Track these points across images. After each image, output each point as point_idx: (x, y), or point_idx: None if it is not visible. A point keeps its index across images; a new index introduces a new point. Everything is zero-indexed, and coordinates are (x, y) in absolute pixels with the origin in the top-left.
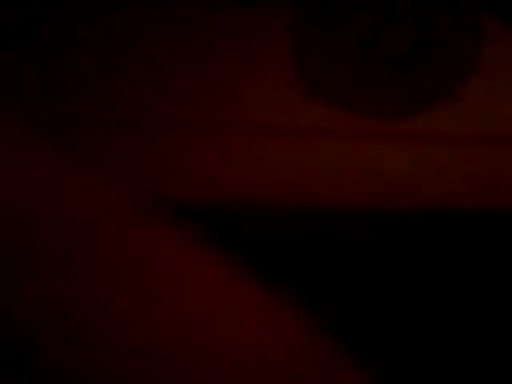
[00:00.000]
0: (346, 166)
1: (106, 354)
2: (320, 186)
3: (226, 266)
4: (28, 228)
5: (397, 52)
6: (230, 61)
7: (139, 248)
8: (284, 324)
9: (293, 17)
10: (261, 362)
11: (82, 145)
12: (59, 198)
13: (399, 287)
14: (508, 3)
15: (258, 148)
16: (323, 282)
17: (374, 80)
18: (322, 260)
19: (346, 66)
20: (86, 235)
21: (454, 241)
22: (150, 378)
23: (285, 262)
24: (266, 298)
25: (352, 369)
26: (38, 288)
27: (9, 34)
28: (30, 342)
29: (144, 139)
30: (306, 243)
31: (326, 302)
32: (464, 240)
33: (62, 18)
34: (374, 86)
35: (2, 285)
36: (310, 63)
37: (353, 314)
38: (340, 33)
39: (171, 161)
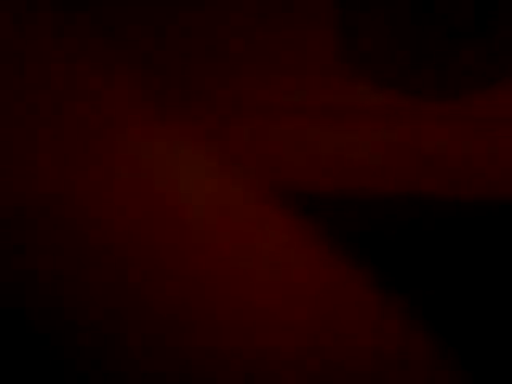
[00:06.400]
0: (390, 150)
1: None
2: (363, 171)
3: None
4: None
5: (453, 28)
6: (265, 35)
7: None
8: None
9: None
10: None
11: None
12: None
13: (450, 273)
14: None
15: (295, 129)
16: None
17: (428, 57)
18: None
19: (397, 41)
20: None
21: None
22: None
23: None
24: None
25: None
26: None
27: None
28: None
29: None
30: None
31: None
32: None
33: None
34: (427, 64)
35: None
36: (356, 37)
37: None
38: (392, 5)
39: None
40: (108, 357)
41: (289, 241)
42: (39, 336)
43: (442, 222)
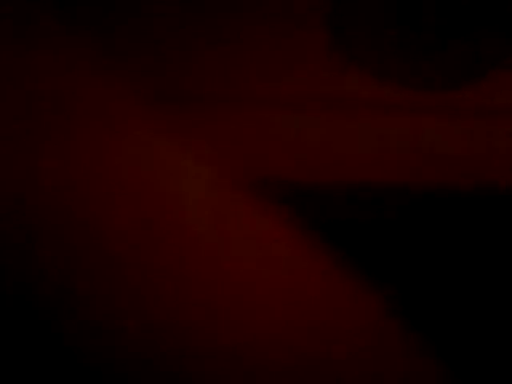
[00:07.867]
0: (388, 141)
1: None
2: (362, 163)
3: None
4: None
5: (444, 20)
6: (257, 27)
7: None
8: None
9: None
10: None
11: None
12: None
13: (449, 266)
14: None
15: (292, 124)
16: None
17: (420, 49)
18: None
19: (389, 33)
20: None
21: (507, 221)
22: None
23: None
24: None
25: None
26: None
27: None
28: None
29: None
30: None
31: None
32: None
33: None
34: (419, 56)
35: None
36: (348, 30)
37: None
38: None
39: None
40: (107, 356)
41: (286, 239)
42: (38, 335)
43: (440, 213)
